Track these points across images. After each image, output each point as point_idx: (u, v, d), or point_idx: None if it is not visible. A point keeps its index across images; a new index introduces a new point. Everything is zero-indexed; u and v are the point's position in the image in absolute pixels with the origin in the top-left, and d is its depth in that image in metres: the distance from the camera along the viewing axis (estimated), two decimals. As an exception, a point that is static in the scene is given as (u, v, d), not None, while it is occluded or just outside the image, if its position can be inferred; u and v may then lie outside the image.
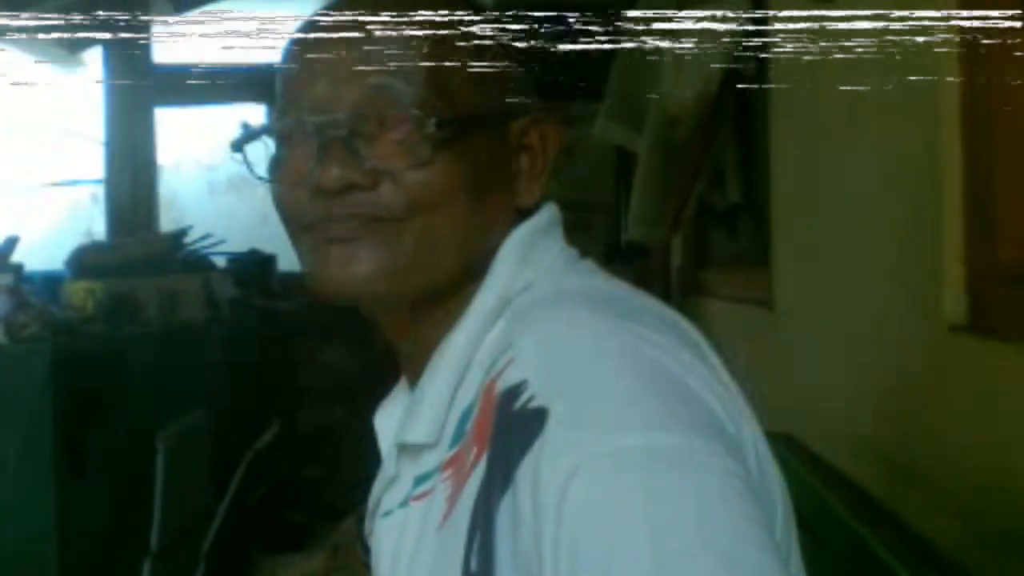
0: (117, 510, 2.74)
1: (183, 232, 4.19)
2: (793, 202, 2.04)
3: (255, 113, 5.41)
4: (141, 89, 5.18)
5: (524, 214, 0.82)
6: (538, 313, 0.72)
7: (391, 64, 0.76)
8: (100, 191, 5.87)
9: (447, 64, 0.76)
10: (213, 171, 6.27)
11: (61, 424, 2.46)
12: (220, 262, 4.53)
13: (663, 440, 0.59)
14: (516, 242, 0.81)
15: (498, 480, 0.64)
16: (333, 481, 4.94)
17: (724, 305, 2.95)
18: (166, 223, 5.62)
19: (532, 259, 0.80)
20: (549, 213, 0.84)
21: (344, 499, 4.42)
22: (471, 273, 0.80)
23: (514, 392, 0.65)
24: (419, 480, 0.78)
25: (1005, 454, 1.12)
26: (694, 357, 0.68)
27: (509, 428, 0.64)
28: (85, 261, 3.77)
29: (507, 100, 0.80)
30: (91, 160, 5.89)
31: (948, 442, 1.26)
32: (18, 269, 3.31)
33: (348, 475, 4.91)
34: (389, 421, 0.89)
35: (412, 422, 0.78)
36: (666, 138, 2.69)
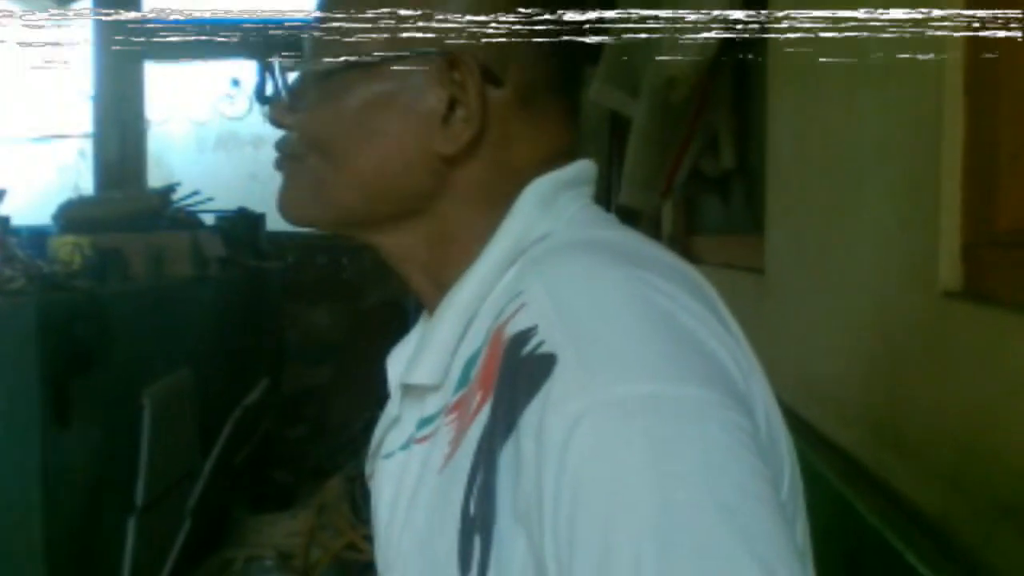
0: (103, 466, 2.75)
1: (171, 189, 4.16)
2: (789, 167, 2.03)
3: (246, 69, 5.36)
4: (130, 43, 5.13)
5: (552, 165, 0.81)
6: (553, 261, 0.72)
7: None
8: (88, 146, 5.83)
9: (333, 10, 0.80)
10: (202, 128, 6.22)
11: (47, 378, 2.45)
12: (208, 220, 4.51)
13: (672, 390, 0.59)
14: (537, 191, 0.79)
15: (502, 424, 0.64)
16: (319, 440, 4.96)
17: (715, 271, 2.95)
18: (154, 179, 5.59)
19: (553, 210, 0.79)
20: (578, 168, 0.83)
21: (330, 459, 4.44)
22: (395, 211, 0.82)
23: (523, 337, 0.65)
24: (422, 423, 0.78)
25: (997, 421, 1.11)
26: (706, 310, 0.68)
27: (516, 372, 0.64)
28: (72, 216, 3.76)
29: (411, 44, 0.78)
30: (79, 115, 5.84)
31: (941, 409, 1.25)
32: (5, 222, 3.29)
33: (334, 435, 4.94)
34: (399, 362, 0.89)
35: (417, 363, 0.78)
36: (662, 101, 2.67)
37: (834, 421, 1.64)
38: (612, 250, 0.73)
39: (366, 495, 3.60)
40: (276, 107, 0.85)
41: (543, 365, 0.62)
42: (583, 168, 0.84)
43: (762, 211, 2.24)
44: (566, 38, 0.80)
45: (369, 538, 3.50)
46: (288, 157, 0.85)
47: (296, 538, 3.74)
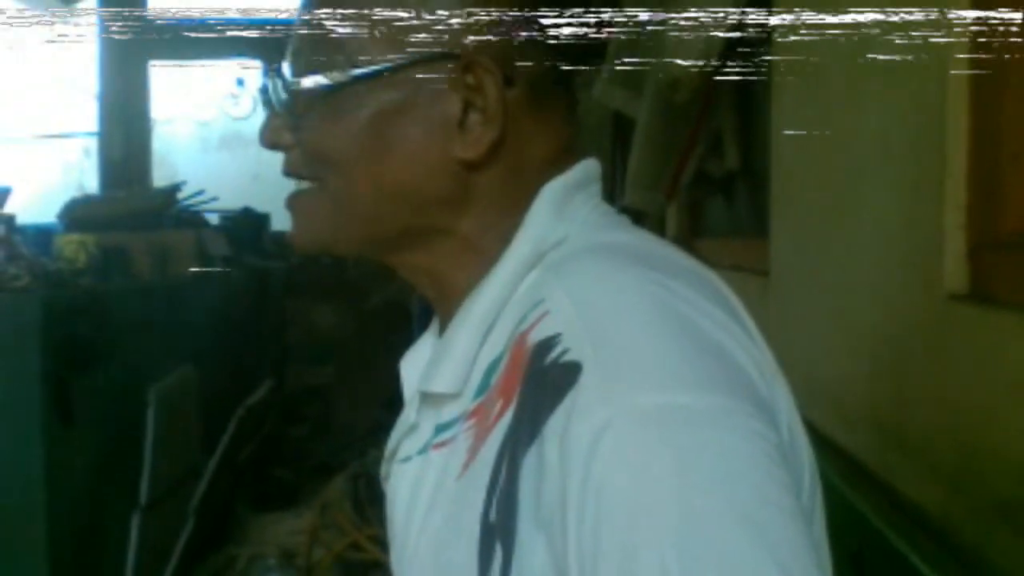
0: (106, 463, 2.75)
1: (176, 188, 4.17)
2: (792, 169, 2.03)
3: (251, 69, 5.36)
4: (136, 42, 5.14)
5: (560, 164, 0.80)
6: (573, 267, 0.71)
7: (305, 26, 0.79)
8: (93, 145, 5.83)
9: (327, 24, 0.77)
10: (207, 128, 6.23)
11: (50, 376, 2.46)
12: (213, 219, 4.51)
13: (696, 399, 0.59)
14: (550, 195, 0.79)
15: (525, 432, 0.63)
16: (322, 440, 4.96)
17: (720, 273, 2.94)
18: (158, 179, 5.59)
19: (567, 214, 0.79)
20: (585, 168, 0.82)
21: (333, 458, 4.44)
22: (419, 225, 0.80)
23: (547, 345, 0.65)
24: (440, 429, 0.78)
25: (1000, 423, 1.11)
26: (727, 315, 0.68)
27: (540, 381, 0.64)
28: (77, 214, 3.77)
29: (421, 49, 0.76)
30: (84, 113, 5.84)
31: (945, 411, 1.25)
32: (10, 220, 3.30)
33: (337, 434, 4.94)
34: (414, 368, 0.89)
35: (436, 371, 0.78)
36: (666, 102, 2.67)
37: (838, 422, 1.64)
38: (631, 254, 0.72)
39: (370, 495, 3.58)
40: (271, 127, 0.82)
41: (568, 373, 0.61)
42: (589, 167, 0.83)
43: (767, 213, 2.24)
44: (569, 33, 0.79)
45: (372, 538, 3.51)
46: (314, 181, 0.81)
47: (299, 537, 3.74)
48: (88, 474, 2.65)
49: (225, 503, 3.83)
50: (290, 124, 0.80)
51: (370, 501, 3.68)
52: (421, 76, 0.76)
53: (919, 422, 1.34)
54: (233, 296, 4.10)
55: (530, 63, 0.78)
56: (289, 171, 0.82)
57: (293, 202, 0.83)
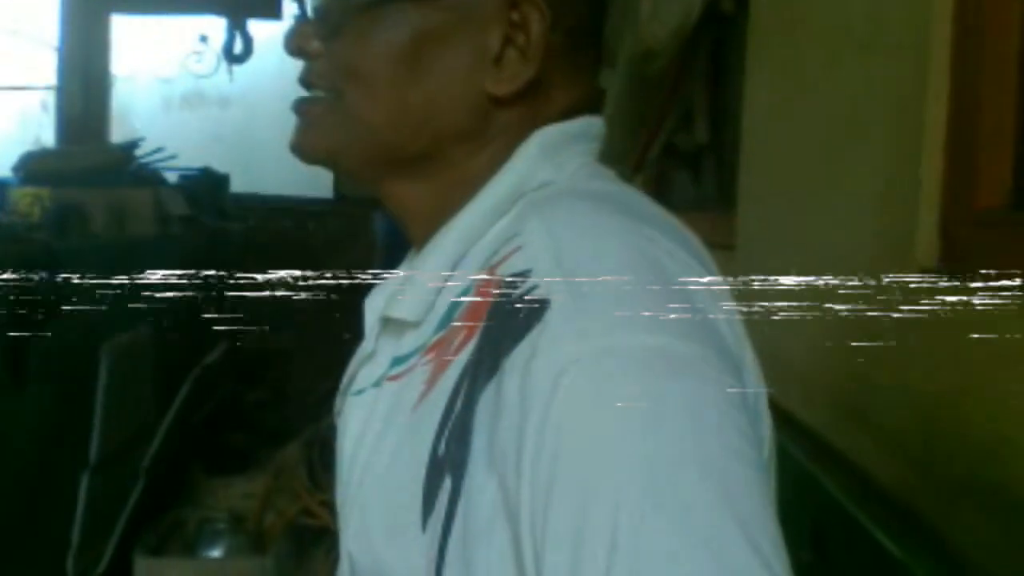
0: (57, 421, 2.70)
1: (135, 144, 4.09)
2: (765, 142, 2.02)
3: (214, 26, 5.28)
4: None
5: (562, 117, 0.79)
6: (553, 206, 0.70)
7: None
8: (50, 98, 5.71)
9: None
10: (168, 85, 6.12)
11: (1, 332, 2.40)
12: (172, 178, 4.44)
13: (667, 343, 0.58)
14: (541, 140, 0.77)
15: (486, 365, 0.62)
16: (277, 405, 4.92)
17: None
18: (117, 135, 5.49)
19: (555, 161, 0.77)
20: (588, 123, 0.81)
21: (288, 423, 4.40)
22: (428, 152, 0.78)
23: (516, 280, 0.63)
24: (397, 360, 0.77)
25: (968, 400, 1.11)
26: (704, 272, 0.67)
27: (506, 314, 0.62)
28: (33, 168, 3.69)
29: None
30: (42, 66, 5.73)
31: (912, 389, 1.25)
32: (-37, 172, 3.22)
33: (293, 400, 4.91)
34: (378, 300, 0.87)
35: (400, 298, 0.77)
36: (639, 73, 2.66)
37: (802, 399, 1.63)
38: (615, 203, 0.71)
39: (324, 461, 3.54)
40: (300, 32, 0.79)
41: (535, 308, 0.60)
42: (592, 124, 0.82)
43: (733, 189, 2.23)
44: None
45: (325, 503, 3.48)
46: (329, 92, 0.79)
47: (251, 501, 3.71)
48: (38, 432, 2.60)
49: (177, 464, 3.79)
50: (321, 33, 0.78)
51: (324, 467, 3.65)
52: (468, 4, 0.75)
53: (885, 399, 1.34)
54: (190, 257, 4.04)
55: (572, 11, 0.77)
56: (307, 80, 0.80)
57: (303, 107, 0.81)
